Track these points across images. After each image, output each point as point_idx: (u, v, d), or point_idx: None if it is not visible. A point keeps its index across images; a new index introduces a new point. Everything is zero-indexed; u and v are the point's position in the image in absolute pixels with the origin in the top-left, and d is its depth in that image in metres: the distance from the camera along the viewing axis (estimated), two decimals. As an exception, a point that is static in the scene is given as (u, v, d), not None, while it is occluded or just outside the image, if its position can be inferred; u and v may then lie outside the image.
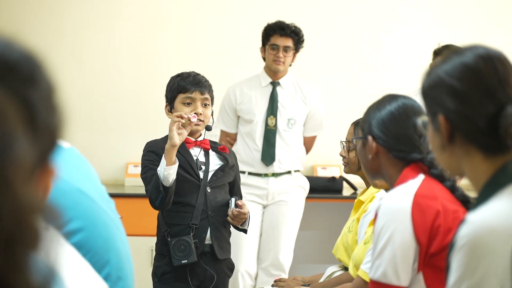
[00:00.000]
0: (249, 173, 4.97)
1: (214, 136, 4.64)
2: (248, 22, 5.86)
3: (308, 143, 5.15)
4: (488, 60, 1.58)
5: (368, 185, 3.18)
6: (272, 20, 5.02)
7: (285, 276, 4.81)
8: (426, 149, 2.26)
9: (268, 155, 4.96)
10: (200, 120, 3.35)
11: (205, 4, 5.90)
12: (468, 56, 1.59)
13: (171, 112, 3.37)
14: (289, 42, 4.90)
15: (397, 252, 2.13)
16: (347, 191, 5.64)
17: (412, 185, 2.19)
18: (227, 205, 3.39)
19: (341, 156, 3.27)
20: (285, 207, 4.96)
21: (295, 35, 4.91)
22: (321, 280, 3.29)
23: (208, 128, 3.38)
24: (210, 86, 3.43)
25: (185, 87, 3.36)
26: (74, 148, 1.86)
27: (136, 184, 5.51)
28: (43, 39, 5.62)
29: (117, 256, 1.84)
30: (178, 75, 3.43)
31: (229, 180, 3.46)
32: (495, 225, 1.46)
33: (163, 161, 3.22)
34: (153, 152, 3.34)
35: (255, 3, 5.92)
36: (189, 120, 3.28)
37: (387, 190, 2.47)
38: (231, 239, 3.50)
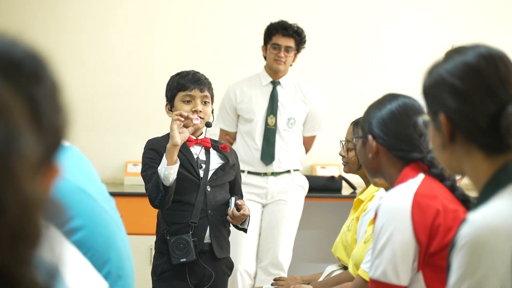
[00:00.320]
0: (249, 172, 4.97)
1: (213, 135, 4.64)
2: (248, 22, 5.86)
3: (308, 143, 5.15)
4: (490, 59, 1.58)
5: (367, 184, 3.18)
6: (271, 19, 5.01)
7: (284, 275, 4.80)
8: (426, 148, 2.27)
9: (267, 154, 4.96)
10: (200, 118, 3.35)
11: (205, 4, 5.90)
12: (470, 55, 1.59)
13: (172, 111, 3.37)
14: (291, 42, 4.90)
15: (397, 251, 2.13)
16: (346, 190, 5.64)
17: (412, 184, 2.19)
18: (227, 204, 3.39)
19: (341, 155, 3.28)
20: (284, 206, 4.96)
21: (297, 36, 4.90)
22: (320, 279, 3.29)
23: (208, 125, 3.38)
24: (209, 83, 3.43)
25: (184, 85, 3.37)
26: (74, 146, 1.86)
27: (135, 183, 5.51)
28: (43, 39, 5.61)
29: (118, 255, 1.84)
30: (178, 74, 3.44)
31: (230, 179, 3.46)
32: (496, 225, 1.46)
33: (164, 160, 3.22)
34: (153, 150, 3.34)
35: (255, 3, 5.91)
36: (192, 121, 3.29)
37: (387, 189, 2.47)
38: (230, 238, 3.50)
